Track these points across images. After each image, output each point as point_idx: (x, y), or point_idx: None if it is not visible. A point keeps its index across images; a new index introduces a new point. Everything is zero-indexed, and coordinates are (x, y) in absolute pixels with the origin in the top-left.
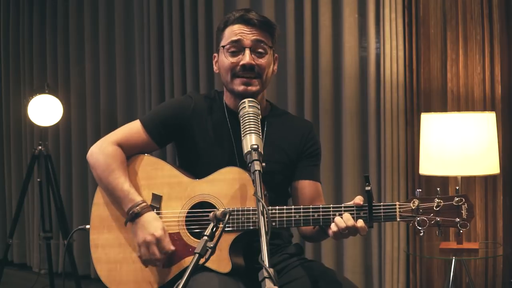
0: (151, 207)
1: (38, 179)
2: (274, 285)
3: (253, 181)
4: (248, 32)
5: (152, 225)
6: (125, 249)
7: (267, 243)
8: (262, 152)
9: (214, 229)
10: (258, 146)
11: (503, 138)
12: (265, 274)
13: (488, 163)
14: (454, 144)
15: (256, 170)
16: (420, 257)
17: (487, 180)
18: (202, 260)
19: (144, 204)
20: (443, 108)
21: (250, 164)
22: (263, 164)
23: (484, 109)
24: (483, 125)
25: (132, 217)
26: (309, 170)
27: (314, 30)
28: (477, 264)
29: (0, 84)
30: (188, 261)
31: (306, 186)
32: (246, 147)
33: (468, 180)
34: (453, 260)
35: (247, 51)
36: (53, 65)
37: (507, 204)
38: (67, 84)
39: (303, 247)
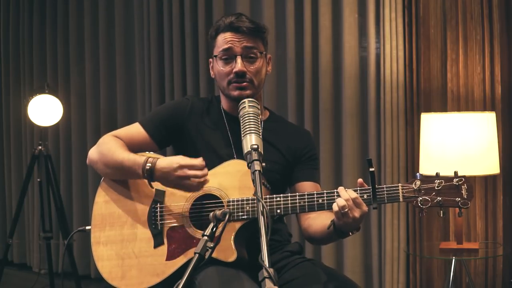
0: (155, 202)
1: (38, 179)
2: (274, 285)
3: (253, 181)
4: (238, 40)
5: (169, 164)
6: (128, 244)
7: (267, 243)
8: (262, 152)
9: (214, 229)
10: (258, 146)
11: (503, 138)
12: (265, 274)
13: (488, 163)
14: (454, 144)
15: (256, 170)
16: (420, 257)
17: (487, 180)
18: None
19: (150, 158)
20: (443, 108)
21: (250, 164)
22: (263, 164)
23: (484, 109)
24: (483, 125)
25: (149, 175)
26: (310, 173)
27: (314, 30)
28: (477, 264)
29: (0, 84)
30: (192, 253)
31: (308, 188)
32: (246, 147)
33: (468, 180)
34: (453, 260)
35: (239, 59)
36: (53, 65)
37: (507, 204)
38: (67, 84)
39: (303, 246)
